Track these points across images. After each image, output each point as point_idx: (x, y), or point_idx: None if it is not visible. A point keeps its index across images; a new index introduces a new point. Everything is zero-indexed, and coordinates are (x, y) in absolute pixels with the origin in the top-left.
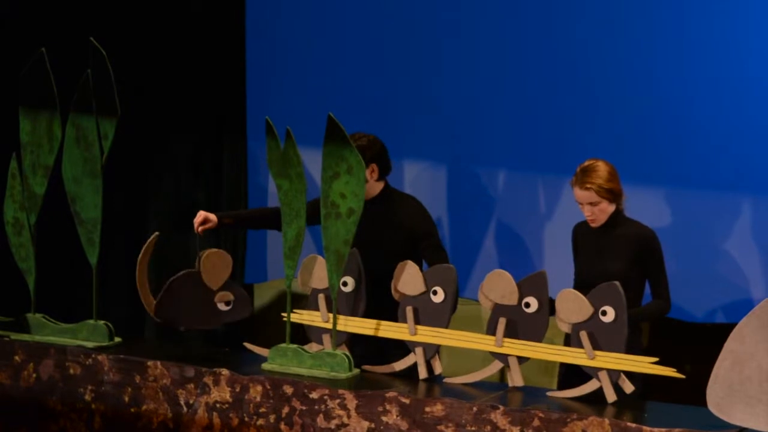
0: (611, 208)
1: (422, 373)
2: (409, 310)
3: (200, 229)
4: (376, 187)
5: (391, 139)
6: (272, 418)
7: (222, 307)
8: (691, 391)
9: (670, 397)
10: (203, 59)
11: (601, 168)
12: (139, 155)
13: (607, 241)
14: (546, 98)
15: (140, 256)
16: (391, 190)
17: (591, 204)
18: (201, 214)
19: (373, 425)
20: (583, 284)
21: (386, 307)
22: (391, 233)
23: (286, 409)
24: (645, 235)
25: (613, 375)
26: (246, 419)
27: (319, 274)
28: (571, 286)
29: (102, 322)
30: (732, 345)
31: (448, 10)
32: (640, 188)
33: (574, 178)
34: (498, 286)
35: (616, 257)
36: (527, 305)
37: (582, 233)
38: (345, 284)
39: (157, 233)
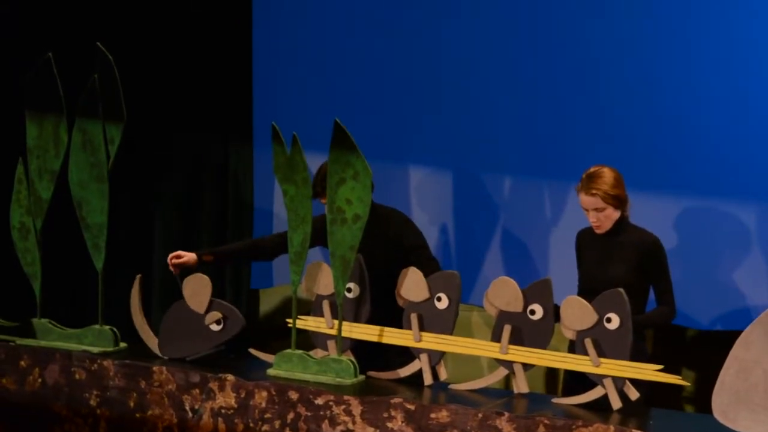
0: (616, 214)
1: (427, 380)
2: (413, 316)
3: (173, 263)
4: None
5: (396, 145)
6: (277, 423)
7: (214, 328)
8: (696, 398)
9: (675, 404)
10: (210, 64)
11: (607, 174)
12: (145, 160)
13: (611, 247)
14: (552, 104)
15: (131, 300)
16: (375, 206)
17: (596, 210)
18: (176, 253)
19: (378, 431)
20: (587, 291)
21: (381, 320)
22: (381, 249)
23: (291, 415)
24: (649, 242)
25: (618, 382)
26: (251, 425)
27: (323, 281)
28: (576, 292)
29: (107, 327)
30: (738, 352)
31: (453, 16)
32: (646, 195)
33: (580, 184)
34: (503, 293)
35: (621, 264)
36: (532, 312)
37: (586, 240)
38: (349, 290)
39: (139, 275)
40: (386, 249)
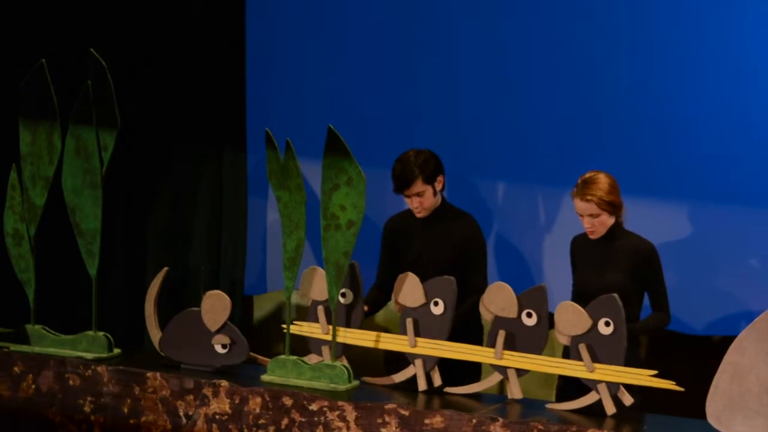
0: (611, 220)
1: (421, 385)
2: (409, 321)
3: None
4: (439, 200)
5: (389, 151)
6: (271, 429)
7: (219, 349)
8: (690, 404)
9: (669, 410)
10: (203, 71)
11: (602, 180)
12: (138, 166)
13: (606, 253)
14: (546, 109)
15: (150, 289)
16: (447, 205)
17: (591, 216)
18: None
19: None
20: (581, 296)
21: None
22: (444, 248)
23: (285, 421)
24: (644, 248)
25: (613, 387)
26: (245, 431)
27: (318, 286)
28: (570, 298)
29: (101, 333)
30: (732, 357)
31: (447, 21)
32: (641, 201)
33: (575, 189)
34: (498, 299)
35: (615, 270)
36: (527, 317)
37: (581, 245)
38: (343, 296)
39: (166, 268)
40: (452, 248)
